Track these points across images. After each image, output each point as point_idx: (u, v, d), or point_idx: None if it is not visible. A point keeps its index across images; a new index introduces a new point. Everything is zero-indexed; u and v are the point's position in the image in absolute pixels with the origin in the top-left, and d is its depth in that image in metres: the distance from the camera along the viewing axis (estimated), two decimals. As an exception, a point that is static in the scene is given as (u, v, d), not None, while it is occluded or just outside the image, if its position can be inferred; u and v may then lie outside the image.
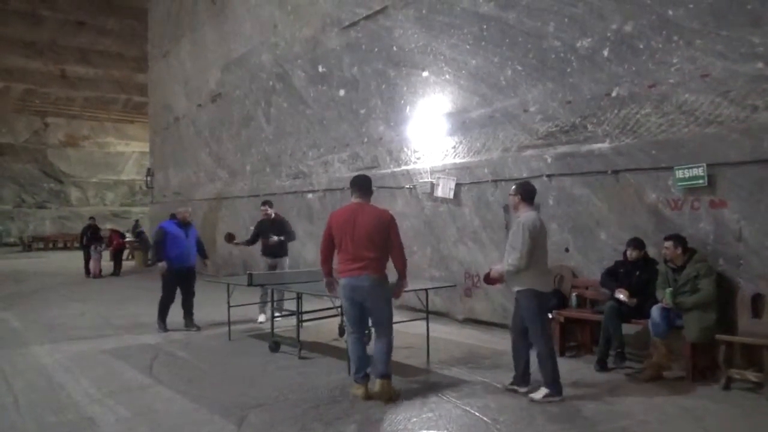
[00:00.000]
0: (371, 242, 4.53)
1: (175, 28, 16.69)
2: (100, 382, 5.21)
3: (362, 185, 4.78)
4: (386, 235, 4.58)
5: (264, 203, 8.58)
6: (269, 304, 7.89)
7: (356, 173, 9.29)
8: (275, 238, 7.98)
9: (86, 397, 4.80)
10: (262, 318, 7.94)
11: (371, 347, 4.79)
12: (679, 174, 5.25)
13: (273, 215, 8.31)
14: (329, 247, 4.72)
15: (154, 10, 19.05)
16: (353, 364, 4.67)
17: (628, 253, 5.44)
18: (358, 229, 4.54)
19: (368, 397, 4.52)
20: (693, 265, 4.95)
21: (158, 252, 7.50)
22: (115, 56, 28.31)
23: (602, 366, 5.25)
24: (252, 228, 8.71)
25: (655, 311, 5.00)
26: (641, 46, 5.63)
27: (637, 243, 5.42)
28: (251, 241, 8.34)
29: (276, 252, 8.13)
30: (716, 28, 5.07)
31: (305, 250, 10.78)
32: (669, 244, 5.07)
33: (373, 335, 4.84)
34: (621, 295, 5.28)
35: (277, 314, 6.76)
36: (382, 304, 4.63)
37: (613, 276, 5.51)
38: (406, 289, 4.89)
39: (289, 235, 8.26)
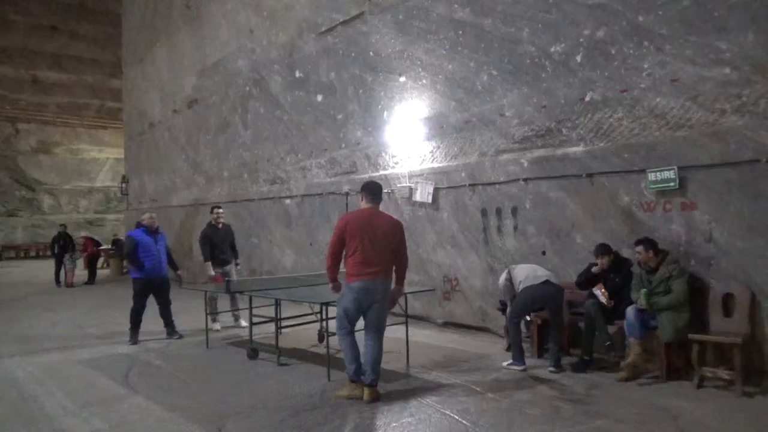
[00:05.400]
0: (388, 248, 4.66)
1: (150, 34, 16.51)
2: (74, 393, 5.11)
3: (375, 191, 4.82)
4: (398, 241, 4.73)
5: (217, 207, 8.44)
6: (219, 311, 7.82)
7: (334, 179, 9.39)
8: (238, 266, 8.40)
9: (60, 409, 4.70)
10: (217, 326, 7.78)
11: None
12: (652, 177, 5.35)
13: (221, 224, 8.23)
14: (340, 251, 4.70)
15: (128, 15, 18.82)
16: (354, 362, 4.64)
17: (599, 261, 5.48)
18: (377, 234, 4.61)
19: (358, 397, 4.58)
20: (666, 266, 5.05)
21: (136, 263, 7.26)
22: (88, 61, 27.86)
23: (579, 367, 5.31)
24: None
25: (630, 312, 5.08)
26: (613, 52, 5.73)
27: (604, 249, 5.48)
28: (210, 258, 8.02)
29: (226, 260, 8.14)
30: (685, 34, 5.19)
31: (284, 257, 10.73)
32: (640, 248, 5.16)
33: (367, 338, 4.75)
34: (598, 291, 5.36)
35: (244, 323, 6.65)
36: (386, 308, 4.77)
37: (591, 282, 5.57)
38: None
39: (235, 251, 8.39)
